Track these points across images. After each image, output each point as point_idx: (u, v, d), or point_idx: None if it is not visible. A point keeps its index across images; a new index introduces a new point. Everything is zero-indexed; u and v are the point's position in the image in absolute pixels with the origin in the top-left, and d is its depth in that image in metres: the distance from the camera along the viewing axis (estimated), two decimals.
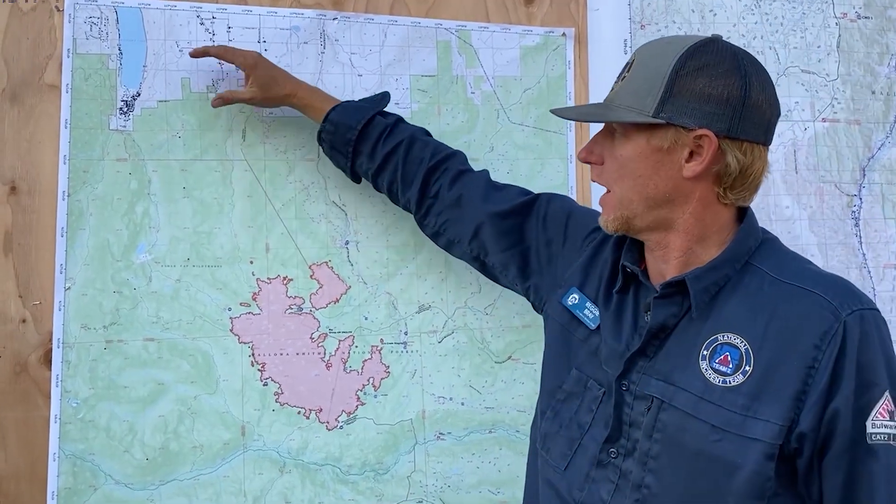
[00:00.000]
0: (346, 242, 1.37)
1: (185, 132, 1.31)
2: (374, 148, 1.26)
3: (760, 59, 1.58)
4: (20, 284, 1.25)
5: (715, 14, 1.54)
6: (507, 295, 1.41)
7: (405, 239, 1.39)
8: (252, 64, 1.26)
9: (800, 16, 1.58)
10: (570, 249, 1.16)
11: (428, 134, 1.31)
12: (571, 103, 1.47)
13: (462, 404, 1.38)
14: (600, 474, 1.01)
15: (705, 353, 0.95)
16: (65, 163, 1.27)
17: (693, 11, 1.53)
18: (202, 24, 1.33)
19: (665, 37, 1.03)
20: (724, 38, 1.00)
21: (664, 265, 1.01)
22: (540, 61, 1.46)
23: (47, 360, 1.25)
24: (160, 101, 1.31)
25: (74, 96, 1.28)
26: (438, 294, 1.39)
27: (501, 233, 1.21)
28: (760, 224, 1.04)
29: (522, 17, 1.46)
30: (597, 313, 1.07)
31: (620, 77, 1.02)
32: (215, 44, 1.31)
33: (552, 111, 1.08)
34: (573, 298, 1.10)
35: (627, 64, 1.02)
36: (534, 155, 1.44)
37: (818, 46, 1.58)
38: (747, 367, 0.93)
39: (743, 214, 1.01)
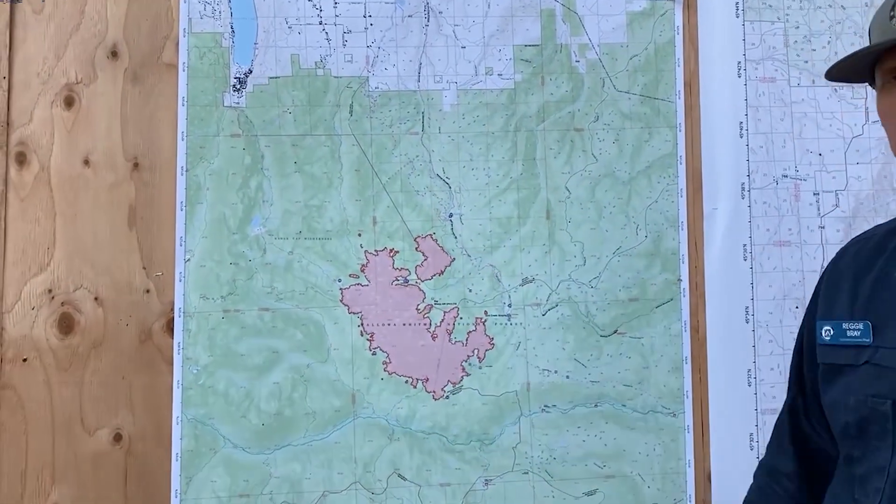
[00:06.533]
0: (450, 215, 1.38)
1: (295, 108, 1.34)
2: None
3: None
4: (144, 257, 1.32)
5: None
6: (612, 268, 1.39)
7: (508, 211, 1.39)
8: None
9: None
10: (812, 314, 1.04)
11: None
12: (680, 70, 1.42)
13: (567, 377, 1.37)
14: None
15: None
16: (182, 139, 1.32)
17: None
18: (310, 0, 1.35)
19: None
20: None
21: None
22: (647, 27, 1.42)
23: (169, 328, 1.31)
24: (271, 78, 1.34)
25: (191, 74, 1.33)
26: (542, 267, 1.39)
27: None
28: None
29: None
30: (862, 326, 0.93)
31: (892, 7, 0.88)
32: (323, 21, 1.33)
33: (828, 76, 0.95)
34: (827, 332, 0.97)
35: None
36: (641, 124, 1.41)
37: None
38: None
39: None
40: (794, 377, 1.09)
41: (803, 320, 1.08)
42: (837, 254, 1.04)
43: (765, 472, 1.12)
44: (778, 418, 1.11)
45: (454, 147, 1.38)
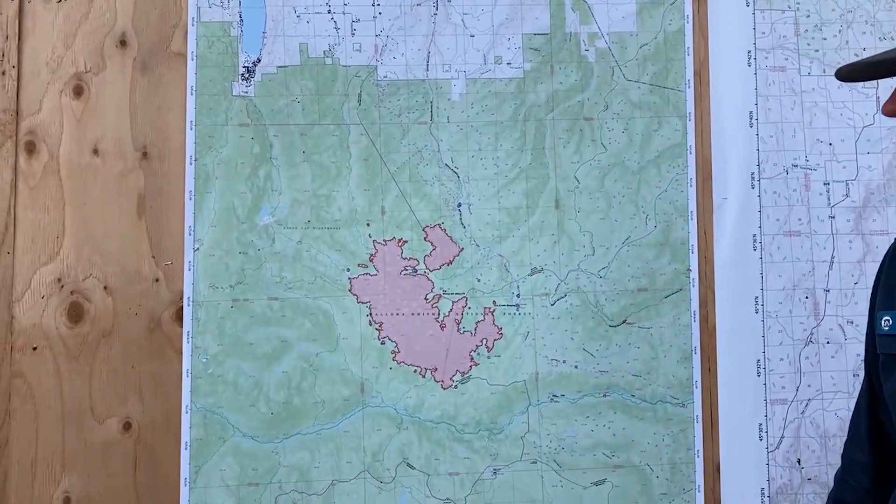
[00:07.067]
0: (459, 205, 1.37)
1: (303, 97, 1.34)
2: None
3: None
4: (153, 245, 1.32)
5: None
6: (621, 258, 1.38)
7: (517, 201, 1.38)
8: None
9: None
10: (872, 305, 1.03)
11: None
12: (690, 59, 1.41)
13: (575, 367, 1.37)
14: None
15: None
16: (191, 128, 1.32)
17: None
18: None
19: None
20: None
21: None
22: (657, 16, 1.41)
23: (178, 317, 1.31)
24: (279, 67, 1.34)
25: (199, 64, 1.32)
26: (551, 257, 1.38)
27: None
28: None
29: None
30: None
31: None
32: (331, 9, 1.33)
33: (839, 77, 0.93)
34: (886, 322, 0.97)
35: None
36: (650, 113, 1.40)
37: None
38: None
39: None
40: (866, 368, 1.07)
41: (869, 312, 1.07)
42: None
43: (843, 461, 1.10)
44: (854, 408, 1.08)
45: (463, 136, 1.38)
